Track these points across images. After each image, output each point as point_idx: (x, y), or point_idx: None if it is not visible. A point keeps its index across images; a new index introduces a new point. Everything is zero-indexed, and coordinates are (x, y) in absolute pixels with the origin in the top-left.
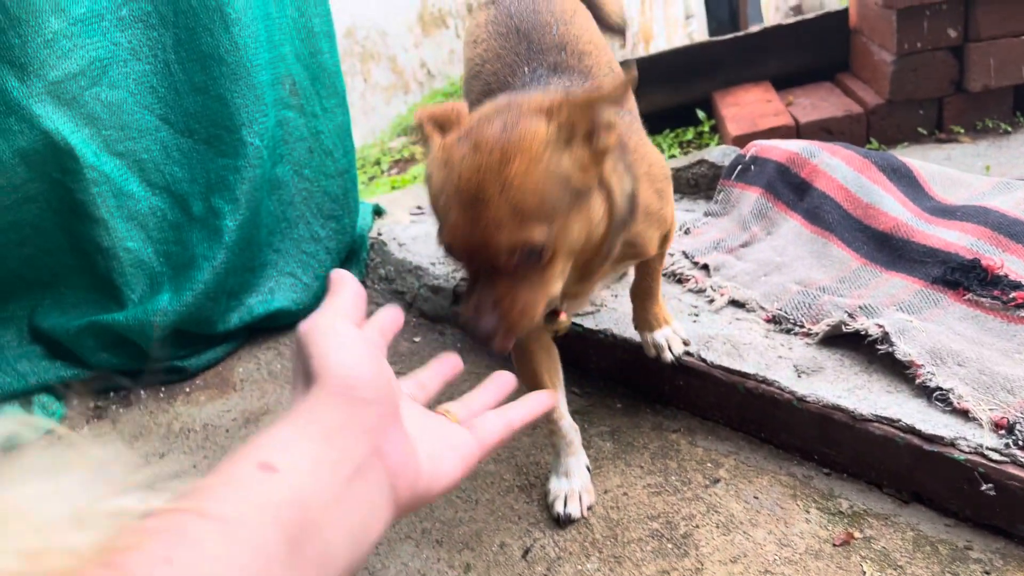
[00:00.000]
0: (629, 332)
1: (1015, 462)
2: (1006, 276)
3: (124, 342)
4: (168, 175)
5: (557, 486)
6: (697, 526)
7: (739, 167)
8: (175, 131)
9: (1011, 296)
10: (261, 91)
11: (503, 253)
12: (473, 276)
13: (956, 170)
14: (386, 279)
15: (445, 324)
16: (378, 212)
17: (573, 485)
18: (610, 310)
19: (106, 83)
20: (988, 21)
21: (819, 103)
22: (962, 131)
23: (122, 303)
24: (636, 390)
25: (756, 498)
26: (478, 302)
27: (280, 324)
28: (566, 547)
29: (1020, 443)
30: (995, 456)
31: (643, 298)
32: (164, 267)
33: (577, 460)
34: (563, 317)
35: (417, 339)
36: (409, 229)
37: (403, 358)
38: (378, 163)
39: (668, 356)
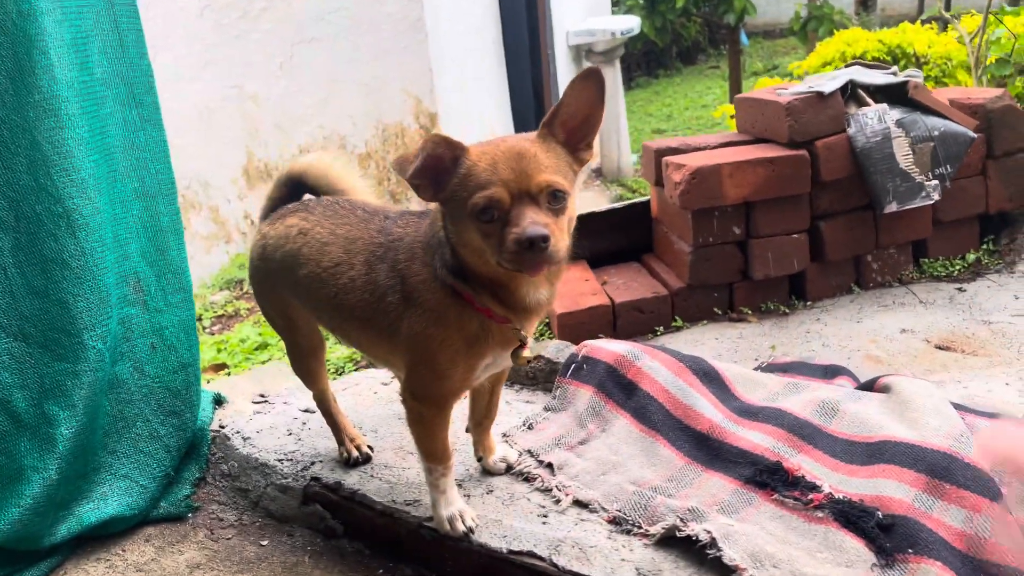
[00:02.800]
0: (484, 537)
1: None
2: (803, 477)
3: None
4: None
5: (451, 511)
6: None
7: (573, 365)
8: (7, 335)
9: (809, 497)
10: (106, 293)
11: (541, 188)
12: (508, 212)
13: (753, 371)
14: (229, 476)
15: (294, 525)
16: (219, 401)
17: (462, 507)
18: None
19: None
20: (765, 222)
21: (631, 283)
22: (750, 312)
23: None
24: None
25: None
26: (531, 219)
27: (112, 532)
28: None
29: None
30: None
31: (485, 431)
32: None
33: (457, 492)
34: (526, 351)
35: (264, 543)
36: (253, 421)
37: (251, 564)
38: (200, 319)
39: (513, 458)
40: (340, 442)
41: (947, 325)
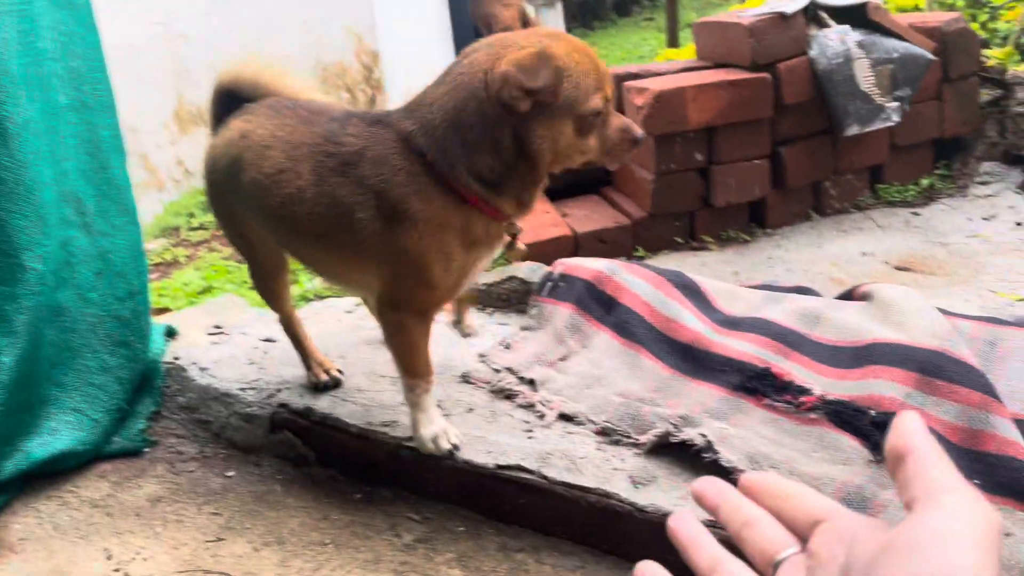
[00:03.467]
0: (468, 454)
1: None
2: (792, 382)
3: None
4: None
5: (433, 430)
6: None
7: (549, 284)
8: None
9: (801, 400)
10: (44, 211)
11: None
12: (606, 120)
13: (732, 285)
14: (188, 408)
15: (261, 454)
16: (171, 333)
17: (444, 425)
18: None
19: None
20: (727, 148)
21: (591, 215)
22: (711, 240)
23: None
24: (477, 511)
25: None
26: (627, 120)
27: (63, 468)
28: None
29: None
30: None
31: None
32: None
33: (437, 410)
34: (520, 244)
35: (230, 473)
36: (210, 351)
37: (216, 496)
38: None
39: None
40: (308, 367)
41: (905, 248)
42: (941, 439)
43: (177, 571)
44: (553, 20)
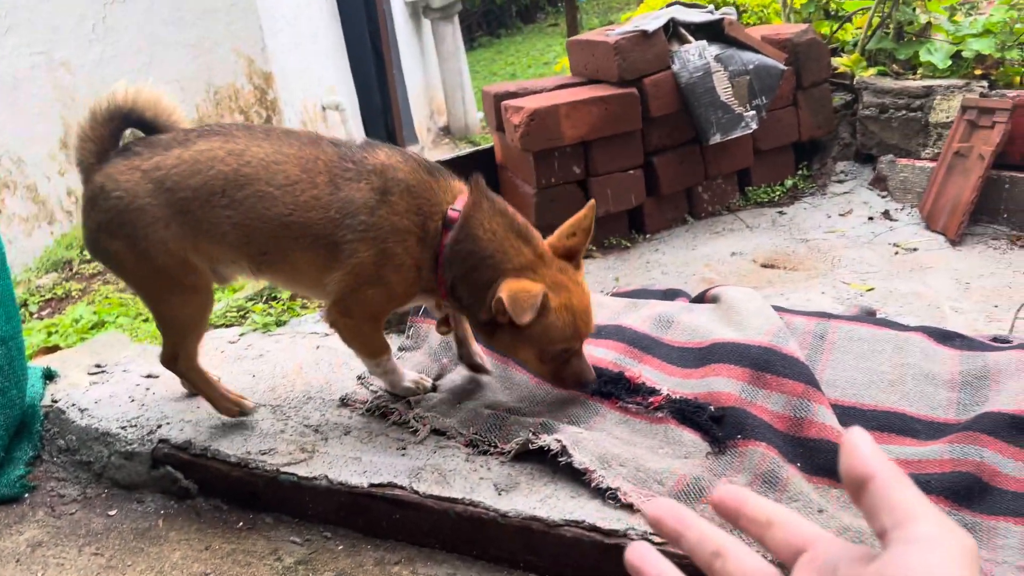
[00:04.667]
0: (344, 475)
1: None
2: (644, 384)
3: None
4: None
5: (406, 383)
6: None
7: (423, 305)
8: None
9: (650, 401)
10: None
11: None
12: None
13: (597, 295)
14: (68, 450)
15: (144, 491)
16: (49, 376)
17: (414, 374)
18: (322, 454)
19: None
20: (602, 160)
21: None
22: (594, 248)
23: None
24: (355, 529)
25: None
26: (587, 365)
27: None
28: None
29: None
30: (658, 540)
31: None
32: None
33: (402, 365)
34: (451, 324)
35: (112, 512)
36: (90, 391)
37: (98, 536)
38: (25, 305)
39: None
40: (217, 404)
41: (771, 245)
42: (770, 428)
43: None
44: (450, 33)
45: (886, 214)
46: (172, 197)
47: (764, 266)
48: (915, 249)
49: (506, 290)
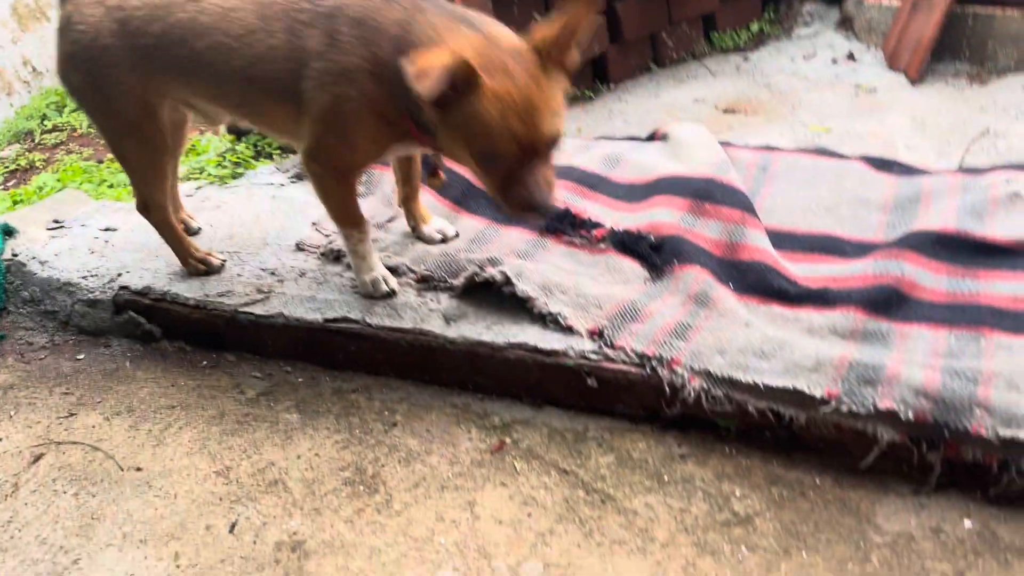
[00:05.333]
0: (299, 312)
1: (607, 359)
2: (588, 219)
3: None
4: None
5: (373, 275)
6: (383, 465)
7: None
8: None
9: (593, 233)
10: None
11: (549, 143)
12: (514, 168)
13: None
14: (32, 301)
15: (110, 336)
16: (8, 232)
17: (383, 271)
18: (278, 295)
19: None
20: (560, 5)
21: None
22: None
23: None
24: (314, 363)
25: (428, 431)
26: (540, 181)
27: None
28: (269, 513)
29: (609, 344)
30: (593, 357)
31: (413, 201)
32: None
33: (377, 258)
34: (441, 175)
35: (80, 357)
36: (50, 245)
37: (67, 378)
38: None
39: (450, 232)
40: (184, 259)
41: (734, 91)
42: (706, 253)
43: (31, 446)
44: None
45: (850, 56)
46: (135, 42)
47: (726, 112)
48: (875, 89)
49: (417, 58)
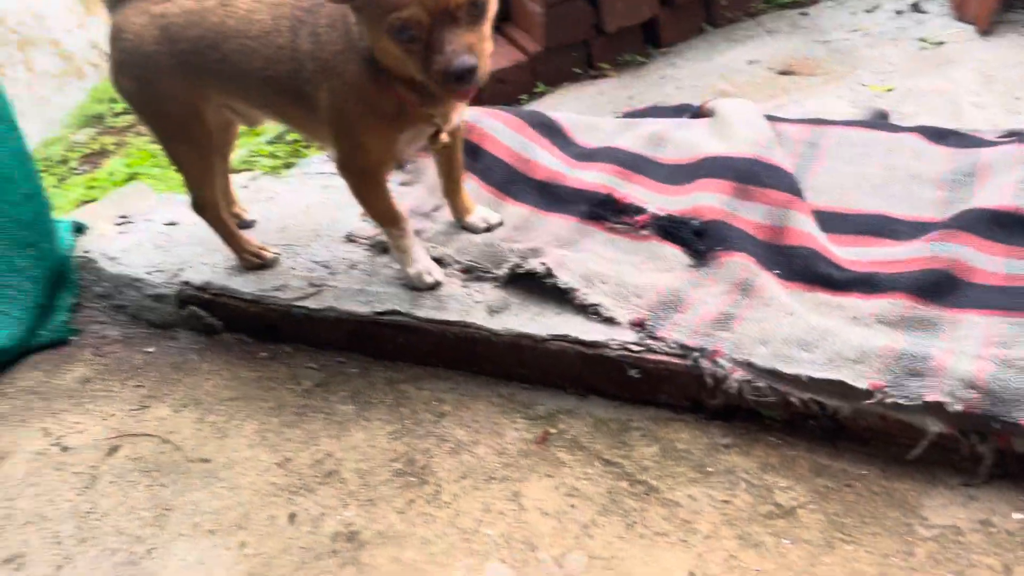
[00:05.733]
0: (350, 306)
1: (648, 350)
2: (631, 204)
3: None
4: None
5: (417, 268)
6: (432, 456)
7: None
8: None
9: (635, 220)
10: None
11: (460, 4)
12: (429, 38)
13: (592, 116)
14: (104, 296)
15: (177, 329)
16: (79, 229)
17: (427, 264)
18: (330, 288)
19: None
20: None
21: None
22: (609, 67)
23: None
24: (366, 354)
25: (475, 421)
26: (456, 45)
27: None
28: (326, 503)
29: (651, 335)
30: (635, 348)
31: (456, 192)
32: None
33: (421, 250)
34: (443, 136)
35: (150, 349)
36: (117, 241)
37: (138, 370)
38: (65, 161)
39: (495, 220)
40: (239, 254)
41: (789, 50)
42: (750, 239)
43: (107, 438)
44: None
45: (915, 6)
46: (175, 48)
47: (781, 73)
48: (942, 43)
49: None
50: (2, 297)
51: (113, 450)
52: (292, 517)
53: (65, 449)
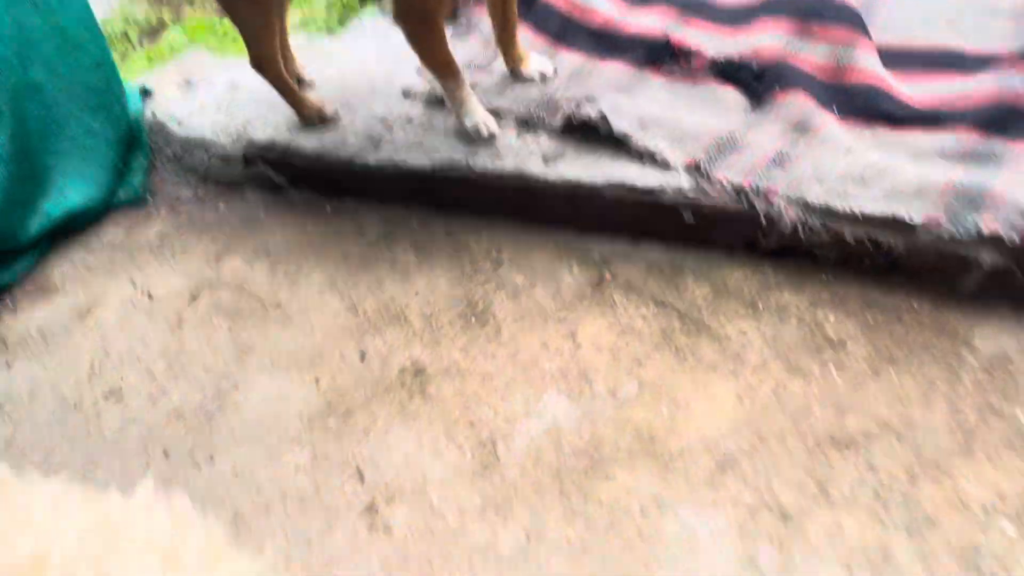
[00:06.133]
0: (409, 159)
1: (703, 193)
2: (688, 48)
3: None
4: None
5: (474, 120)
6: (492, 300)
7: None
8: None
9: (692, 64)
10: None
11: None
12: None
13: None
14: (175, 158)
15: (245, 187)
16: (145, 93)
17: (483, 115)
18: (388, 142)
19: None
20: None
21: None
22: None
23: None
24: (426, 206)
25: (532, 268)
26: None
27: (81, 223)
28: (393, 343)
29: (705, 177)
30: (690, 192)
31: (510, 42)
32: None
33: (477, 102)
34: None
35: (221, 207)
36: (183, 105)
37: (212, 226)
38: (126, 36)
39: (549, 70)
40: (300, 112)
41: None
42: (810, 78)
43: (189, 287)
44: None
45: None
46: None
47: None
48: None
49: None
50: (83, 159)
51: (195, 297)
52: (363, 355)
53: (151, 297)
